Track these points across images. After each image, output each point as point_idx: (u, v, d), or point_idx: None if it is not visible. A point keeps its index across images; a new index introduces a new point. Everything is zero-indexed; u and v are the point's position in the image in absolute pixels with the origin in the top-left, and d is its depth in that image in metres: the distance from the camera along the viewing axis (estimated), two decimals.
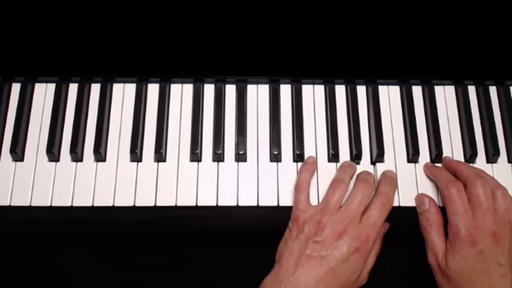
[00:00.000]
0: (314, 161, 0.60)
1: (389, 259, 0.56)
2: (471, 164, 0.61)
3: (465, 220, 0.53)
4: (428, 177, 0.60)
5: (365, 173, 0.58)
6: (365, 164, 0.61)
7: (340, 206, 0.55)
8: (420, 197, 0.58)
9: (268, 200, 0.59)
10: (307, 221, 0.55)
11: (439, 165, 0.61)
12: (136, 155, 0.60)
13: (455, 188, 0.55)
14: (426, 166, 0.60)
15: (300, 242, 0.54)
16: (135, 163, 0.60)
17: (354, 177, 0.59)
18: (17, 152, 0.60)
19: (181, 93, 0.64)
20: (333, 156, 0.61)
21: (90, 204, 0.58)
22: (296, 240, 0.54)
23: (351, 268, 0.53)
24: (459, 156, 0.62)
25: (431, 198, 0.58)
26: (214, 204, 0.59)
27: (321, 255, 0.53)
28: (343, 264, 0.53)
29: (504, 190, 0.56)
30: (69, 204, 0.58)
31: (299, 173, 0.59)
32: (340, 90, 0.64)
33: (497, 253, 0.52)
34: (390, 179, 0.58)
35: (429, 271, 0.56)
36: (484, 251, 0.52)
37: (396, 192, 0.59)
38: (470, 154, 0.61)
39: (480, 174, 0.56)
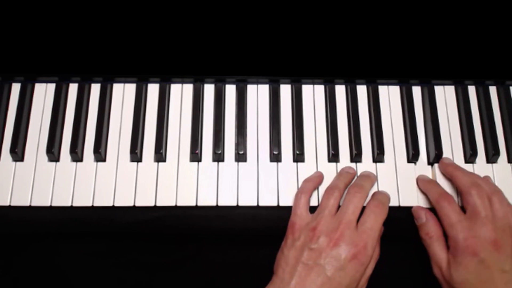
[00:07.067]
0: (320, 175, 0.59)
1: (389, 259, 0.56)
2: (471, 164, 0.61)
3: (462, 231, 0.53)
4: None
5: (360, 177, 0.58)
6: (365, 164, 0.61)
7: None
8: (416, 211, 0.58)
9: (268, 200, 0.59)
10: (302, 228, 0.54)
11: (436, 167, 0.60)
12: (136, 155, 0.60)
13: (445, 201, 0.55)
14: (418, 180, 0.60)
15: (296, 250, 0.53)
16: (135, 163, 0.60)
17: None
18: (17, 152, 0.60)
19: (181, 93, 0.64)
20: (333, 156, 0.61)
21: (90, 204, 0.58)
22: (292, 248, 0.53)
23: (350, 277, 0.51)
24: (459, 156, 0.62)
25: (427, 210, 0.57)
26: (214, 204, 0.59)
27: (317, 263, 0.51)
28: (340, 272, 0.51)
29: (500, 195, 0.55)
30: (69, 204, 0.58)
31: (302, 182, 0.58)
32: (340, 90, 0.64)
33: (500, 260, 0.51)
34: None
35: (429, 271, 0.56)
36: (486, 259, 0.51)
37: (396, 192, 0.59)
38: (470, 154, 0.61)
39: (475, 180, 0.56)
